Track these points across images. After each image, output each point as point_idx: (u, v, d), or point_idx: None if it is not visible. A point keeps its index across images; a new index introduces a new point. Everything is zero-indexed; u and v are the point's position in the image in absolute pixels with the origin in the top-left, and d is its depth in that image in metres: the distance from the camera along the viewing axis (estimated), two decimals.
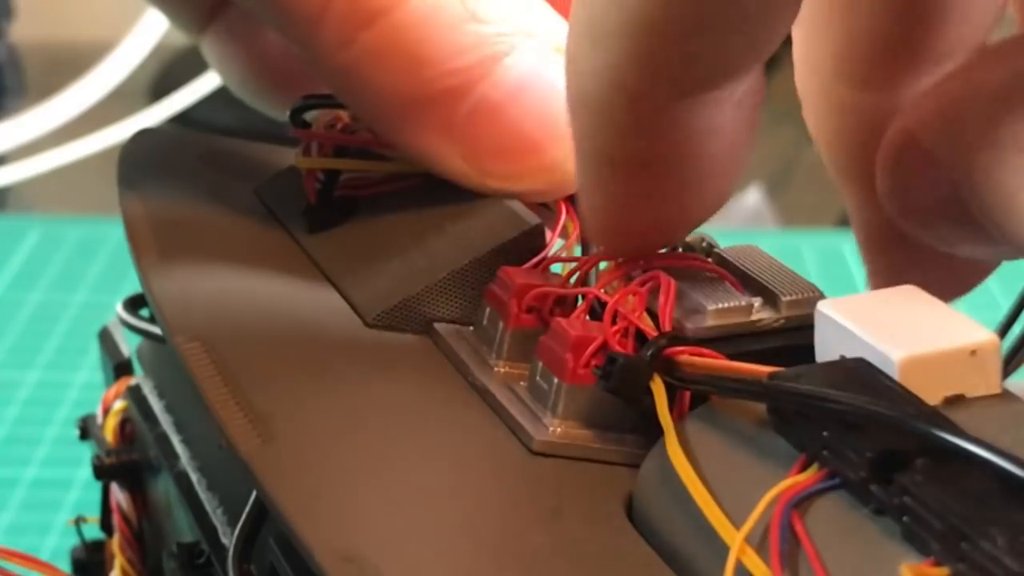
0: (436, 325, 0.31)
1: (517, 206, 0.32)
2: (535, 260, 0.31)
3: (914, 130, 0.28)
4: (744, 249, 0.30)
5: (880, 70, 0.31)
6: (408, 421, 0.28)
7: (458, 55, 0.32)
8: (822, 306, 0.26)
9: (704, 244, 0.31)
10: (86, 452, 0.42)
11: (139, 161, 0.39)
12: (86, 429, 0.42)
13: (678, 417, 0.26)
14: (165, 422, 0.37)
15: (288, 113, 0.36)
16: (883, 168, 0.29)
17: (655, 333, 0.27)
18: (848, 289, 0.28)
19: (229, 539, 0.31)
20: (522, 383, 0.29)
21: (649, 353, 0.27)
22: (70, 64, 0.94)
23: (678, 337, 0.27)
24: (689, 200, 0.29)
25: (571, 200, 0.33)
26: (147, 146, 0.40)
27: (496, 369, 0.29)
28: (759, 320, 0.28)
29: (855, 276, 0.69)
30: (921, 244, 0.29)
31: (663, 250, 0.30)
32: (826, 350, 0.26)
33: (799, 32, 0.32)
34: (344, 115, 0.35)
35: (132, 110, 0.89)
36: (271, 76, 0.40)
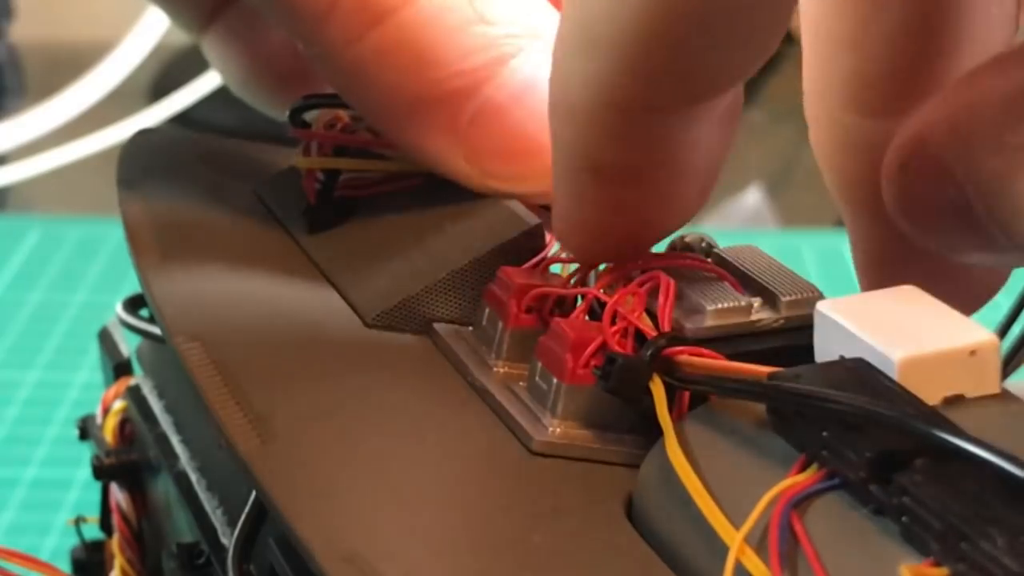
0: (435, 325, 0.31)
1: (517, 206, 0.32)
2: (535, 260, 0.31)
3: (922, 136, 0.28)
4: (744, 249, 0.30)
5: (890, 99, 0.31)
6: (407, 421, 0.28)
7: (465, 56, 0.32)
8: (821, 306, 0.26)
9: (704, 244, 0.31)
10: (86, 452, 0.42)
11: (139, 161, 0.39)
12: (86, 429, 0.42)
13: (677, 417, 0.26)
14: (165, 422, 0.37)
15: (288, 113, 0.36)
16: (890, 177, 0.29)
17: (654, 333, 0.27)
18: (848, 289, 0.28)
19: (229, 539, 0.31)
20: (521, 383, 0.29)
21: (648, 353, 0.27)
22: (70, 64, 0.94)
23: (677, 337, 0.27)
24: (665, 210, 0.29)
25: None
26: (147, 146, 0.40)
27: (495, 369, 0.29)
28: (758, 320, 0.28)
29: (855, 276, 0.69)
30: (926, 263, 0.29)
31: (662, 250, 0.30)
32: (825, 350, 0.26)
33: (809, 58, 0.32)
34: (344, 115, 0.35)
35: (132, 110, 0.89)
36: (272, 76, 0.40)
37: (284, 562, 0.28)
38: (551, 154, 0.29)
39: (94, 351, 0.45)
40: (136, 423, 0.39)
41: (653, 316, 0.28)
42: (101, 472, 0.39)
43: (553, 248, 0.32)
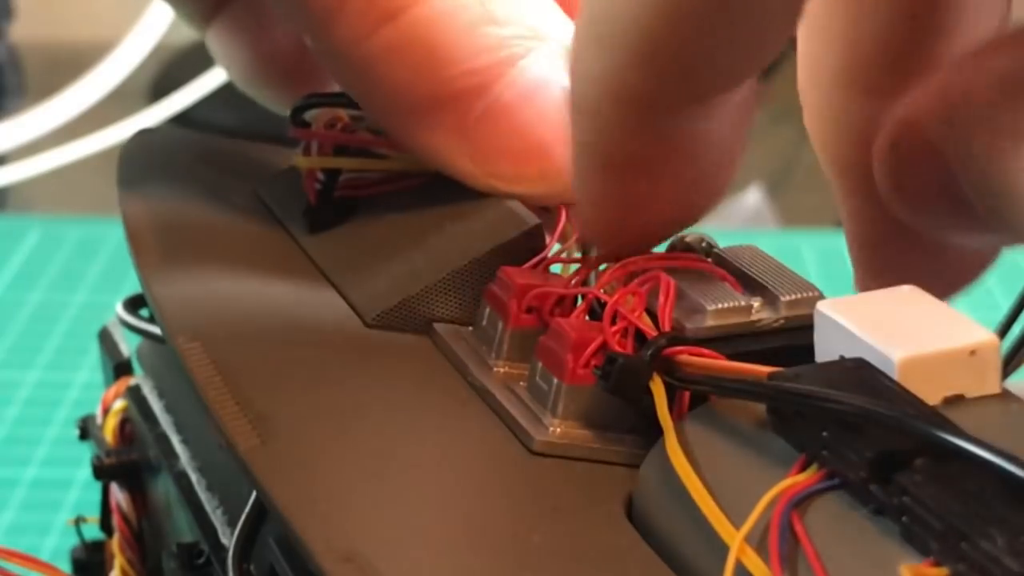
0: (436, 325, 0.31)
1: (517, 206, 0.32)
2: (535, 260, 0.31)
3: (913, 118, 0.28)
4: (744, 249, 0.30)
5: (883, 78, 0.31)
6: (407, 421, 0.28)
7: (475, 56, 0.32)
8: (822, 306, 0.26)
9: (704, 244, 0.31)
10: (86, 452, 0.42)
11: (139, 161, 0.39)
12: (86, 429, 0.42)
13: (678, 417, 0.26)
14: (165, 422, 0.37)
15: (289, 112, 0.36)
16: (881, 157, 0.29)
17: (655, 333, 0.27)
18: (848, 289, 0.28)
19: (229, 539, 0.31)
20: (522, 383, 0.29)
21: (649, 353, 0.27)
22: (70, 64, 0.94)
23: (678, 337, 0.27)
24: (685, 202, 0.29)
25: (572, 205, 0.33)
26: (147, 146, 0.40)
27: (496, 369, 0.29)
28: (759, 320, 0.28)
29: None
30: (917, 243, 0.29)
31: (662, 250, 0.30)
32: (826, 350, 0.26)
33: (803, 38, 0.32)
34: (344, 114, 0.35)
35: (132, 110, 0.89)
36: (276, 70, 0.40)
37: (284, 562, 0.28)
38: (571, 150, 0.29)
39: (94, 351, 0.45)
40: (136, 423, 0.39)
41: (653, 316, 0.28)
42: (101, 472, 0.39)
43: (553, 248, 0.32)
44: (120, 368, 0.41)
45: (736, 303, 0.28)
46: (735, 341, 0.27)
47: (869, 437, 0.22)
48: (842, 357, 0.25)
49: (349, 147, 0.35)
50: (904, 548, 0.21)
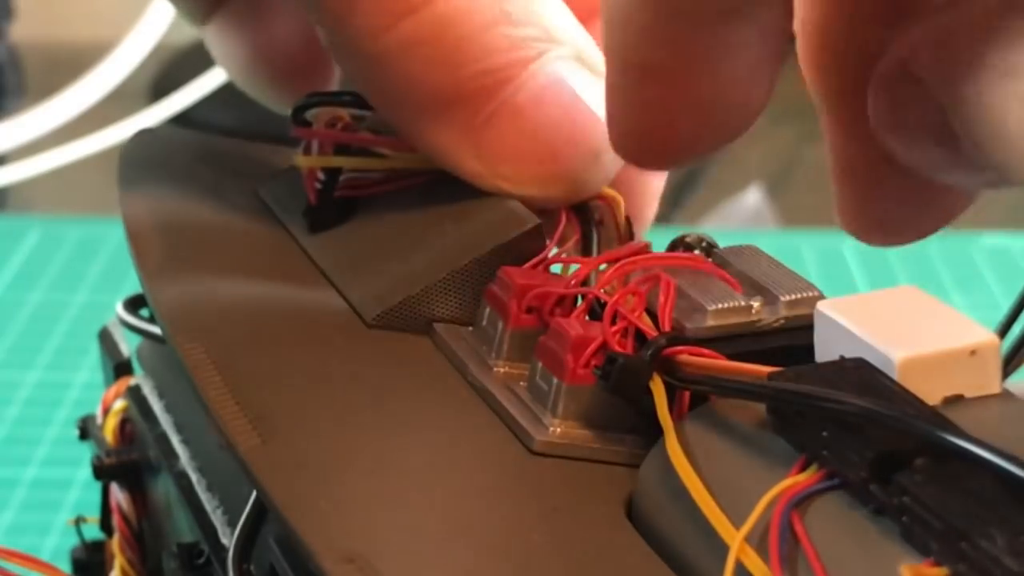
0: (436, 325, 0.31)
1: (517, 206, 0.32)
2: (535, 260, 0.31)
3: (906, 56, 0.28)
4: (744, 249, 0.30)
5: (887, 8, 0.31)
6: (408, 421, 0.28)
7: (490, 56, 0.32)
8: (822, 306, 0.26)
9: (704, 244, 0.31)
10: (86, 452, 0.42)
11: (139, 161, 0.39)
12: (86, 429, 0.42)
13: (678, 417, 0.26)
14: (165, 422, 0.37)
15: (291, 108, 0.36)
16: (876, 94, 0.29)
17: (655, 333, 0.27)
18: (848, 289, 0.28)
19: (229, 539, 0.31)
20: (522, 383, 0.29)
21: (649, 353, 0.27)
22: (70, 64, 0.94)
23: (678, 337, 0.27)
24: (705, 117, 0.29)
25: (573, 208, 0.33)
26: (147, 146, 0.40)
27: (496, 369, 0.29)
28: (759, 320, 0.28)
29: (855, 276, 0.69)
30: (902, 178, 0.29)
31: (663, 251, 0.30)
32: (826, 350, 0.26)
33: None
34: (345, 114, 0.35)
35: (132, 110, 0.89)
36: (276, 68, 0.40)
37: (284, 562, 0.28)
38: (587, 160, 0.29)
39: (94, 351, 0.45)
40: (136, 423, 0.39)
41: (653, 316, 0.28)
42: (101, 472, 0.39)
43: (553, 248, 0.32)
44: (120, 368, 0.41)
45: (736, 303, 0.28)
46: (735, 341, 0.27)
47: (869, 437, 0.22)
48: (842, 357, 0.25)
49: (350, 146, 0.35)
50: (904, 548, 0.21)
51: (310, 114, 0.35)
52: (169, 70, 0.95)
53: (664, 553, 0.25)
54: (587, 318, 0.29)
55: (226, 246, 0.35)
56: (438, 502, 0.26)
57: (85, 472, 0.41)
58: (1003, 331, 0.31)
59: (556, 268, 0.31)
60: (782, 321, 0.28)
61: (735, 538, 0.23)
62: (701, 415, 0.26)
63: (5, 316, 0.66)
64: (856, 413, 0.23)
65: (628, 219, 0.33)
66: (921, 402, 0.23)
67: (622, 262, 0.30)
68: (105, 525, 0.41)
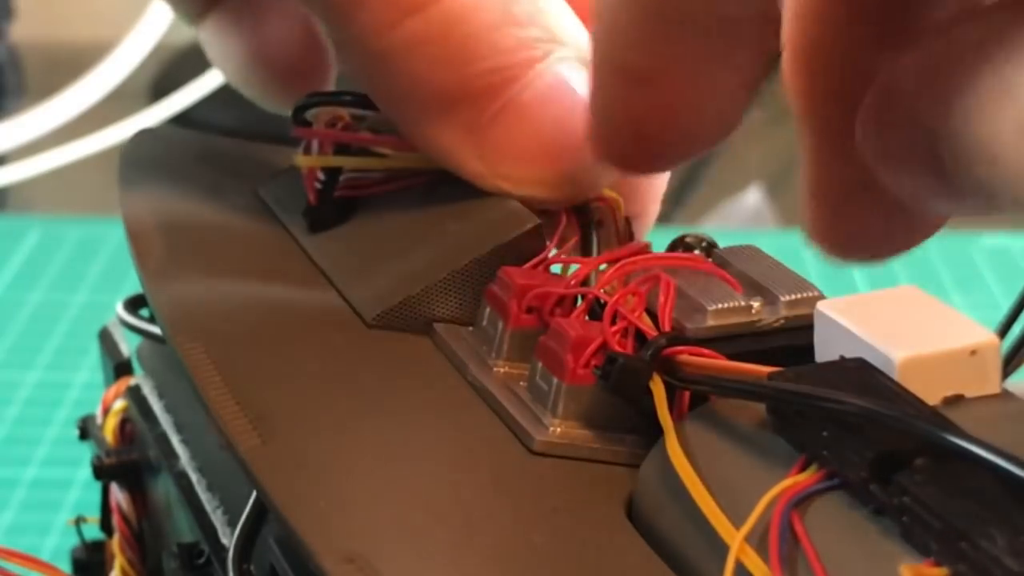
0: (436, 325, 0.31)
1: (517, 206, 0.32)
2: (535, 260, 0.31)
3: (896, 81, 0.28)
4: (744, 249, 0.30)
5: (881, 33, 0.31)
6: (408, 421, 0.28)
7: (495, 55, 0.32)
8: (822, 306, 0.26)
9: (704, 244, 0.31)
10: (86, 452, 0.42)
11: (139, 161, 0.39)
12: (86, 429, 0.42)
13: (678, 417, 0.26)
14: (165, 422, 0.37)
15: (291, 109, 0.36)
16: (864, 118, 0.29)
17: (655, 333, 0.27)
18: (848, 289, 0.28)
19: (229, 539, 0.31)
20: (522, 383, 0.29)
21: (649, 353, 0.27)
22: (70, 64, 0.94)
23: (678, 337, 0.27)
24: (686, 124, 0.30)
25: (573, 208, 0.33)
26: (147, 146, 0.40)
27: (496, 369, 0.29)
28: (759, 320, 0.28)
29: (855, 276, 0.69)
30: (877, 199, 0.29)
31: (663, 251, 0.30)
32: (826, 350, 0.26)
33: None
34: (345, 113, 0.35)
35: (132, 110, 0.89)
36: (273, 69, 0.40)
37: (284, 562, 0.28)
38: (589, 162, 0.30)
39: (94, 351, 0.45)
40: (136, 423, 0.39)
41: (653, 316, 0.28)
42: (101, 472, 0.39)
43: (553, 248, 0.32)
44: (120, 368, 0.41)
45: (736, 303, 0.28)
46: (735, 341, 0.27)
47: (869, 437, 0.22)
48: (842, 357, 0.25)
49: (350, 146, 0.35)
50: (904, 548, 0.21)
51: (310, 114, 0.35)
52: (169, 70, 0.95)
53: (664, 553, 0.25)
54: (587, 318, 0.29)
55: (226, 246, 0.35)
56: (438, 502, 0.26)
57: (85, 472, 0.41)
58: (1003, 331, 0.31)
59: (556, 268, 0.31)
60: (782, 321, 0.28)
61: (735, 538, 0.23)
62: (701, 415, 0.26)
63: (5, 316, 0.66)
64: (856, 413, 0.23)
65: (627, 220, 0.33)
66: (921, 402, 0.23)
67: (622, 262, 0.30)
68: (105, 525, 0.41)
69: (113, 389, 0.41)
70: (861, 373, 0.24)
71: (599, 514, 0.26)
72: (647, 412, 0.26)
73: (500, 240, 0.31)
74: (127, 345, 0.42)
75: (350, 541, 0.24)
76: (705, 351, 0.27)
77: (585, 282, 0.30)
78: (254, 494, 0.29)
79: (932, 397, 0.24)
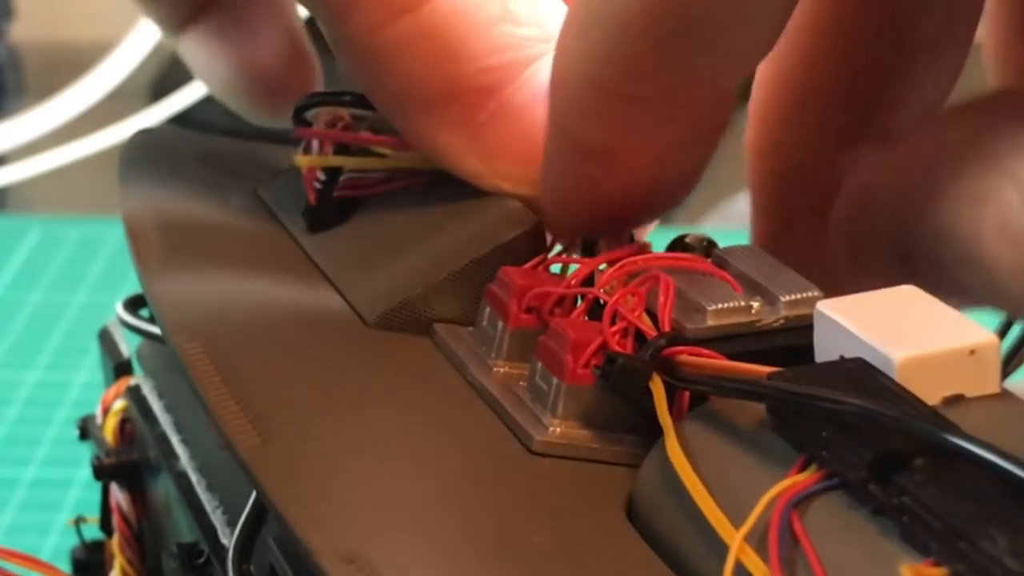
0: (436, 325, 0.31)
1: (517, 206, 0.32)
2: (535, 260, 0.31)
3: (870, 185, 0.29)
4: (744, 249, 0.30)
5: (826, 132, 0.32)
6: (408, 422, 0.28)
7: (492, 53, 0.32)
8: (821, 306, 0.26)
9: (704, 244, 0.31)
10: (86, 452, 0.42)
11: (139, 161, 0.39)
12: (86, 429, 0.42)
13: (678, 417, 0.26)
14: (165, 422, 0.37)
15: (277, 121, 0.36)
16: (838, 223, 0.30)
17: (654, 333, 0.27)
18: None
19: (229, 539, 0.31)
20: (522, 383, 0.29)
21: (648, 353, 0.27)
22: (70, 64, 0.94)
23: (677, 337, 0.27)
24: (642, 196, 0.30)
25: None
26: (147, 146, 0.40)
27: (496, 369, 0.29)
28: (758, 320, 0.28)
29: None
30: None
31: (663, 251, 0.30)
32: (825, 350, 0.26)
33: (761, 78, 0.34)
34: (345, 113, 0.35)
35: (132, 110, 0.89)
36: (258, 81, 0.40)
37: (284, 562, 0.28)
38: (547, 132, 0.30)
39: (94, 351, 0.45)
40: (136, 423, 0.39)
41: (653, 316, 0.28)
42: (101, 472, 0.39)
43: (554, 249, 0.32)
44: (120, 368, 0.41)
45: (736, 303, 0.28)
46: (735, 341, 0.27)
47: (869, 437, 0.22)
48: (842, 357, 0.25)
49: (350, 146, 0.35)
50: (904, 548, 0.21)
51: (310, 114, 0.35)
52: (169, 70, 0.95)
53: (664, 553, 0.25)
54: (587, 318, 0.29)
55: (226, 246, 0.35)
56: (438, 502, 0.26)
57: (85, 472, 0.41)
58: (1003, 331, 0.31)
59: (556, 268, 0.31)
60: (782, 321, 0.28)
61: (735, 538, 0.23)
62: (701, 415, 0.26)
63: (5, 316, 0.66)
64: (855, 413, 0.23)
65: None
66: (920, 402, 0.23)
67: (622, 262, 0.30)
68: (105, 525, 0.41)
69: (113, 389, 0.41)
70: (861, 373, 0.24)
71: (599, 514, 0.26)
72: (647, 412, 0.26)
73: (500, 240, 0.31)
74: (127, 345, 0.42)
75: (350, 541, 0.24)
76: (705, 351, 0.27)
77: (585, 282, 0.30)
78: (254, 494, 0.29)
79: (932, 397, 0.24)
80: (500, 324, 0.30)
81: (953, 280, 0.27)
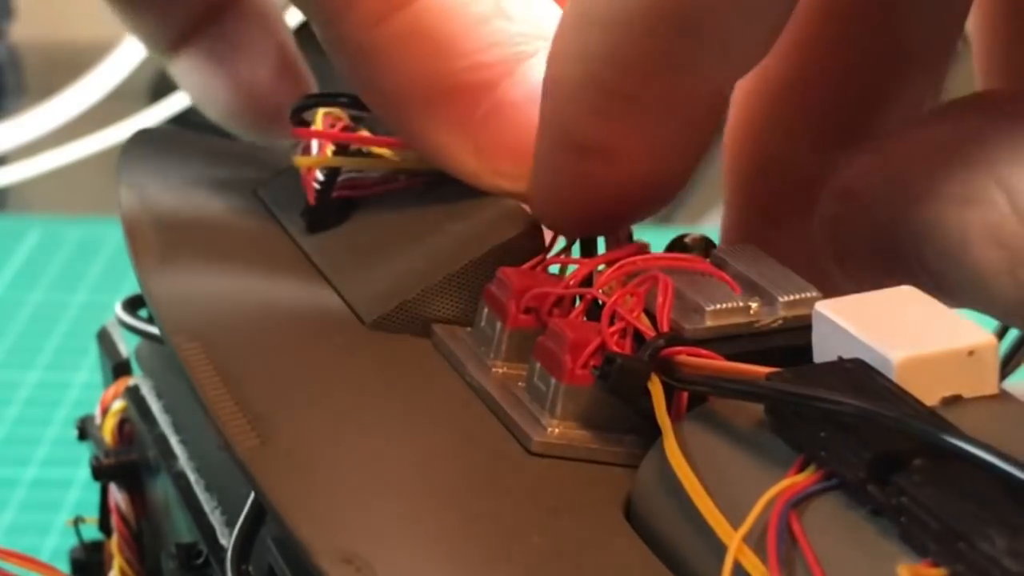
0: (435, 326, 0.31)
1: (516, 206, 0.32)
2: (534, 261, 0.31)
3: (854, 186, 0.29)
4: (742, 249, 0.30)
5: (824, 135, 0.32)
6: (406, 422, 0.28)
7: (485, 50, 0.32)
8: (820, 307, 0.26)
9: (703, 244, 0.31)
10: (85, 452, 0.42)
11: (139, 161, 0.39)
12: (85, 429, 0.42)
13: (676, 418, 0.26)
14: (164, 422, 0.37)
15: (272, 140, 0.36)
16: (823, 222, 0.30)
17: (653, 333, 0.27)
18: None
19: (227, 540, 0.31)
20: (520, 384, 0.29)
21: (647, 354, 0.27)
22: (70, 64, 0.94)
23: (676, 337, 0.27)
24: (637, 193, 0.30)
25: None
26: (147, 146, 0.40)
27: (494, 370, 0.29)
28: (757, 320, 0.28)
29: None
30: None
31: (662, 251, 0.30)
32: (824, 351, 0.26)
33: (744, 92, 0.34)
34: (343, 114, 0.35)
35: (132, 110, 0.89)
36: (251, 101, 0.40)
37: (283, 562, 0.28)
38: (538, 130, 0.30)
39: (94, 351, 0.45)
40: (135, 423, 0.39)
41: (652, 316, 0.28)
42: (100, 472, 0.39)
43: (553, 249, 0.32)
44: (119, 368, 0.41)
45: (734, 303, 0.28)
46: (733, 341, 0.27)
47: (867, 438, 0.22)
48: (840, 358, 0.25)
49: (348, 146, 0.35)
50: (902, 548, 0.21)
51: (309, 114, 0.35)
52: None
53: (662, 554, 0.25)
54: (585, 319, 0.29)
55: (225, 246, 0.35)
56: (437, 503, 0.26)
57: (84, 472, 0.41)
58: (1001, 332, 0.31)
59: (554, 268, 0.31)
60: (780, 321, 0.28)
61: (733, 538, 0.22)
62: (699, 416, 0.26)
63: (5, 316, 0.66)
64: (854, 414, 0.23)
65: None
66: (919, 403, 0.23)
67: (620, 263, 0.30)
68: (104, 525, 0.41)
69: (112, 389, 0.41)
70: (859, 373, 0.24)
71: (597, 515, 0.26)
72: (645, 412, 0.26)
73: (498, 240, 0.31)
74: (126, 345, 0.42)
75: (348, 541, 0.24)
76: (703, 352, 0.27)
77: (583, 282, 0.30)
78: (252, 494, 0.29)
79: (930, 398, 0.24)
80: (499, 325, 0.30)
81: (939, 280, 0.27)
